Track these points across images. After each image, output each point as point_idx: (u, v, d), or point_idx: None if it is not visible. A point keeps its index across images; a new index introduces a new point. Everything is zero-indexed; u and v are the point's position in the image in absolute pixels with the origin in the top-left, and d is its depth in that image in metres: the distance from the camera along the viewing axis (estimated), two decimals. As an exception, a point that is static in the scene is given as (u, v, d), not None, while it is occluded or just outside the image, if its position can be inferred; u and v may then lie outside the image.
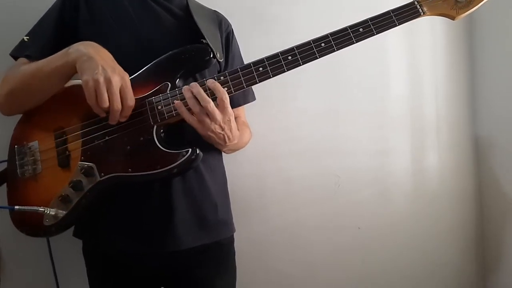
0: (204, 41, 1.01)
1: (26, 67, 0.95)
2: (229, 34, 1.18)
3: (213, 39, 1.05)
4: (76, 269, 1.07)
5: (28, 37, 1.01)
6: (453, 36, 1.70)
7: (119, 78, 0.87)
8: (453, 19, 0.98)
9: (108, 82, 0.85)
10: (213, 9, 1.20)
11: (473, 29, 1.71)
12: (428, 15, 0.97)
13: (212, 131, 0.92)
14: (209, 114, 0.90)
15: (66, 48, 0.90)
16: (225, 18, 1.21)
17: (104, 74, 0.85)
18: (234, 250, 1.13)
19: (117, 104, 0.87)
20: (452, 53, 1.71)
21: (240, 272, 1.13)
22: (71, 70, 0.88)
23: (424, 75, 1.68)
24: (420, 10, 0.96)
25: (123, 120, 0.92)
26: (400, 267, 1.64)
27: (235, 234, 1.13)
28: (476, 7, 0.96)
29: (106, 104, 0.86)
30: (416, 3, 0.97)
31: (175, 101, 0.91)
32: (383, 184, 1.62)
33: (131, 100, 0.89)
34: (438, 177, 1.69)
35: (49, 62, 0.91)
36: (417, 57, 1.67)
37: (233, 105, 0.98)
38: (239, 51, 1.22)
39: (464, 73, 1.73)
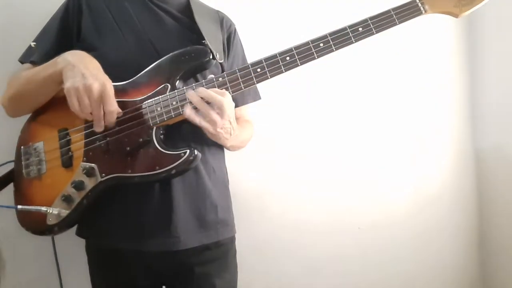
0: (204, 41, 1.02)
1: (25, 73, 0.98)
2: (231, 34, 1.18)
3: (213, 40, 1.06)
4: (79, 267, 1.09)
5: (35, 43, 1.04)
6: (453, 40, 1.69)
7: (100, 85, 0.87)
8: (456, 17, 0.95)
9: (88, 89, 0.86)
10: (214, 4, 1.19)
11: (473, 28, 1.68)
12: (430, 13, 0.95)
13: (222, 127, 0.94)
14: (220, 112, 0.91)
15: (56, 57, 0.92)
16: (228, 17, 1.20)
17: (84, 81, 0.86)
18: (235, 249, 1.14)
19: (98, 111, 0.88)
20: (452, 60, 1.71)
21: (240, 271, 1.13)
22: (60, 78, 0.90)
23: (425, 79, 1.67)
24: (421, 8, 0.94)
25: (109, 125, 0.93)
26: (400, 267, 1.64)
27: (236, 234, 1.13)
28: (480, 4, 0.93)
29: (87, 110, 0.88)
30: (417, 0, 0.94)
31: (186, 111, 0.92)
32: (384, 184, 1.62)
33: (111, 105, 0.90)
34: (438, 178, 1.69)
35: (42, 69, 0.94)
36: (418, 63, 1.66)
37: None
38: (242, 50, 1.22)
39: (464, 78, 1.72)
